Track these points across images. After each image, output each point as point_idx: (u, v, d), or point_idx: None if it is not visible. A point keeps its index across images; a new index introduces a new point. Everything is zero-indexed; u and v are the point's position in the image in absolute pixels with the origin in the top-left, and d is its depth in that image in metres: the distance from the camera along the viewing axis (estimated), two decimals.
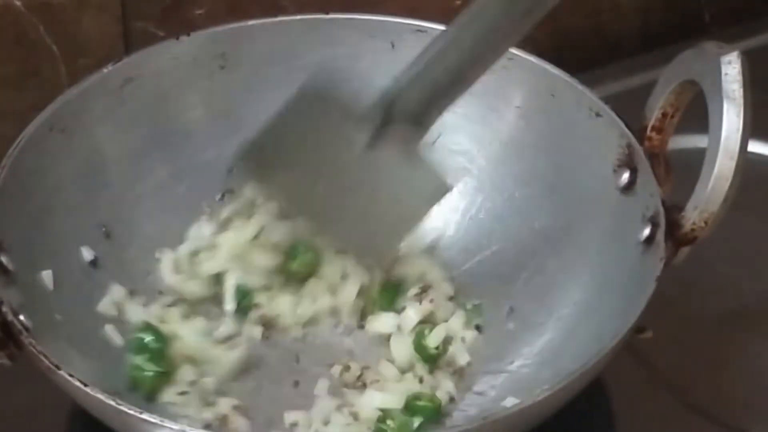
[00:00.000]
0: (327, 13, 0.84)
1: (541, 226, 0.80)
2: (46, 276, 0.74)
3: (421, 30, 0.83)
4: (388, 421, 0.73)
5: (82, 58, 0.89)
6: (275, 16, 0.84)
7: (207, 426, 0.72)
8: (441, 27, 0.82)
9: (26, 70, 0.88)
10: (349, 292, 0.79)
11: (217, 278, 0.80)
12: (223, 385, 0.75)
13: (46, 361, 0.65)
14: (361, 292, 0.80)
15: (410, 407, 0.74)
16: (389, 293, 0.80)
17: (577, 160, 0.79)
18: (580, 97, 0.79)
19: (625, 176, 0.76)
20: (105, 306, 0.77)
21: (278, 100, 0.83)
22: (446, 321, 0.79)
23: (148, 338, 0.75)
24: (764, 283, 0.86)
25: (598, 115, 0.78)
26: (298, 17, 0.85)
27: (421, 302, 0.79)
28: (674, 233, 0.71)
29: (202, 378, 0.75)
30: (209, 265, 0.80)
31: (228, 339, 0.78)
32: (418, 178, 0.78)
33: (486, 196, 0.83)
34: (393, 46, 0.84)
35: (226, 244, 0.80)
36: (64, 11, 0.87)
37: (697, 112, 0.72)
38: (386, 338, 0.78)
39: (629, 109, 0.78)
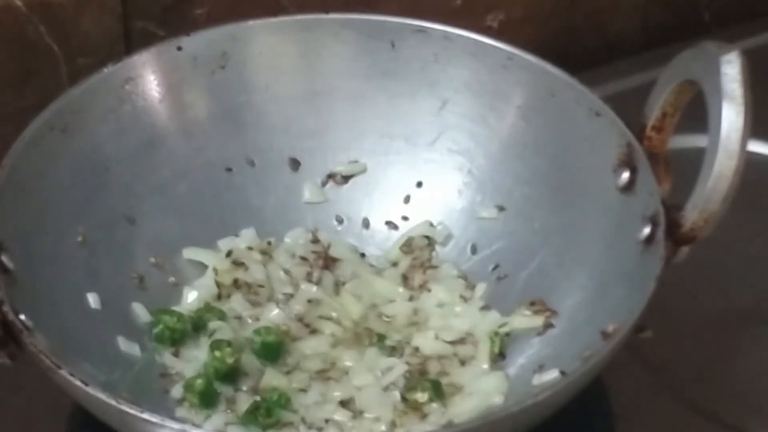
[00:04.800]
0: (327, 13, 0.84)
1: (541, 226, 0.80)
2: (46, 276, 0.74)
3: (421, 30, 0.83)
4: None
5: (82, 58, 0.89)
6: (275, 16, 0.84)
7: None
8: (441, 27, 0.83)
9: (26, 70, 0.88)
10: None
11: None
12: None
13: (47, 361, 0.65)
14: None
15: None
16: None
17: (577, 160, 0.79)
18: (580, 96, 0.79)
19: (625, 176, 0.76)
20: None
21: (278, 100, 0.84)
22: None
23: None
24: (764, 283, 0.86)
25: (597, 114, 0.78)
26: (298, 17, 0.85)
27: None
28: (674, 233, 0.71)
29: None
30: None
31: None
32: None
33: (486, 196, 0.83)
34: (393, 46, 0.84)
35: None
36: (64, 11, 0.87)
37: (697, 112, 0.72)
38: None
39: (629, 109, 0.78)
